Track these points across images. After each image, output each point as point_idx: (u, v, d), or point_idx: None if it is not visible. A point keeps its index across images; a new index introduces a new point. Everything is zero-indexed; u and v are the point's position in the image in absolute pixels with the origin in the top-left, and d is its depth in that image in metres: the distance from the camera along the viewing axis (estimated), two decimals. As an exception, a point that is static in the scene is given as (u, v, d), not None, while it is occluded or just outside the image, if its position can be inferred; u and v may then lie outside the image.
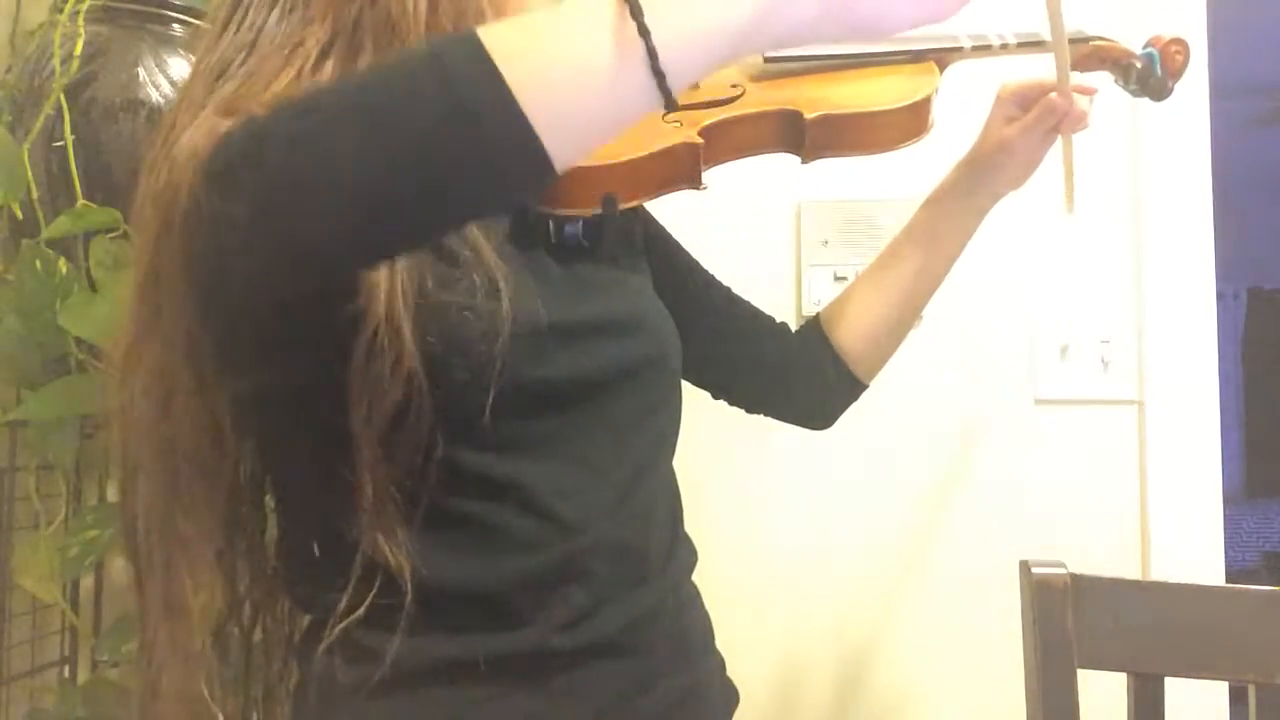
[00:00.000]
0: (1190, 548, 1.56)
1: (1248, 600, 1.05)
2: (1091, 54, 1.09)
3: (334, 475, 0.75)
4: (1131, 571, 1.57)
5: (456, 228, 0.73)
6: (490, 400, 0.75)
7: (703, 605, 0.94)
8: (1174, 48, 1.08)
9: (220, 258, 0.63)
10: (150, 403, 0.76)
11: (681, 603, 0.89)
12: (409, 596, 0.74)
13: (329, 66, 0.75)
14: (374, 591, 0.75)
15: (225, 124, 0.66)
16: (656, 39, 0.55)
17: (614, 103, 0.57)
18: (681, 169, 0.86)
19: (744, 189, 1.60)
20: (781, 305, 1.59)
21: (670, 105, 0.57)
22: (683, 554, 0.92)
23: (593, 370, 0.82)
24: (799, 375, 1.08)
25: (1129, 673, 1.03)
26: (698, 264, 1.09)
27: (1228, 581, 1.56)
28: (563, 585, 0.79)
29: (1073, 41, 1.01)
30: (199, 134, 0.68)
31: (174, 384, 0.75)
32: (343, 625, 0.76)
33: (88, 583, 1.45)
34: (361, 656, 0.77)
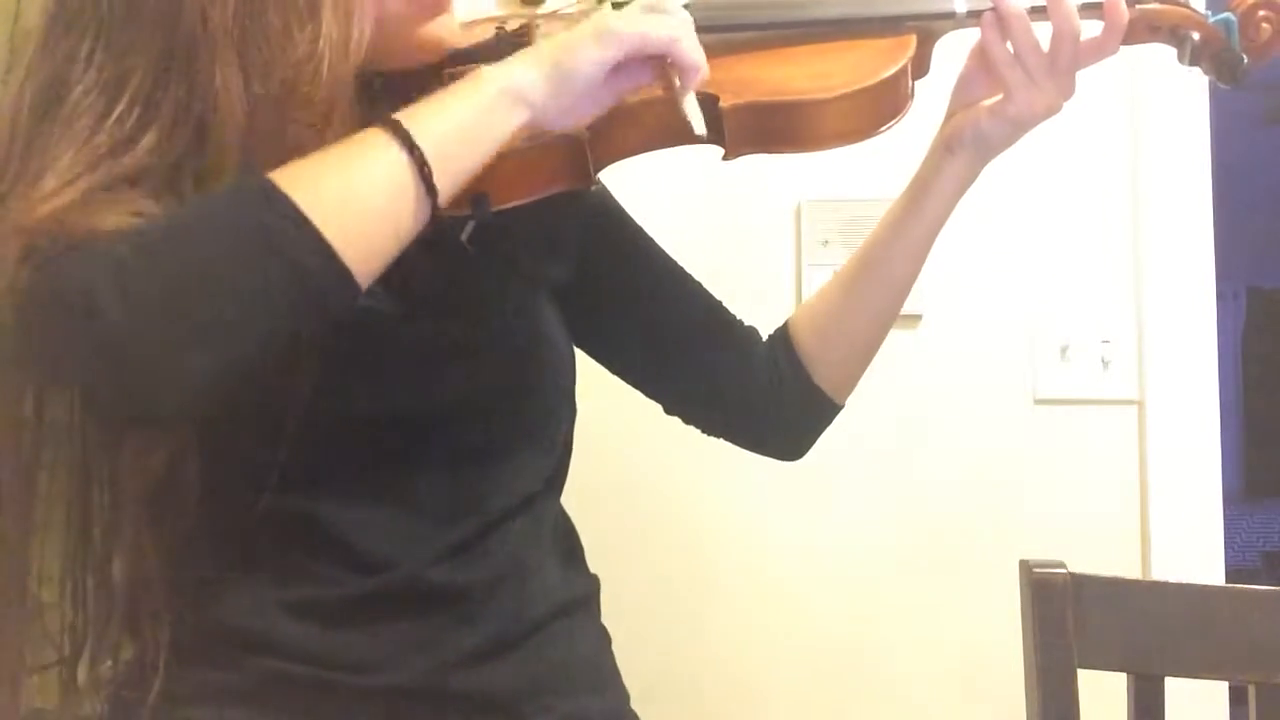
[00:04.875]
0: (1190, 548, 1.56)
1: (1248, 600, 1.05)
2: (1139, 19, 0.86)
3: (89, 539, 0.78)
4: (1131, 571, 1.57)
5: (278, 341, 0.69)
6: (282, 438, 0.74)
7: (595, 638, 0.91)
8: (1263, 12, 0.84)
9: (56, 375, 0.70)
10: None
11: (545, 638, 0.84)
12: (160, 673, 0.76)
13: (166, 101, 0.72)
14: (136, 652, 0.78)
15: (46, 232, 0.66)
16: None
17: (399, 222, 0.68)
18: (565, 166, 0.78)
19: (744, 189, 1.60)
20: (781, 305, 1.58)
21: (434, 198, 0.68)
22: (555, 586, 0.86)
23: (412, 402, 0.80)
24: (766, 408, 0.98)
25: (1129, 673, 1.03)
26: (671, 266, 1.00)
27: (1228, 581, 1.57)
28: (356, 626, 0.78)
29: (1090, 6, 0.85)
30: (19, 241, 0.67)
31: None
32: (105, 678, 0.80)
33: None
34: (127, 698, 0.79)
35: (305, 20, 0.73)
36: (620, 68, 0.73)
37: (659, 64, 0.75)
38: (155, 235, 0.65)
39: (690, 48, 0.73)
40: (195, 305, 0.63)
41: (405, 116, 0.69)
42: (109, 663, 0.82)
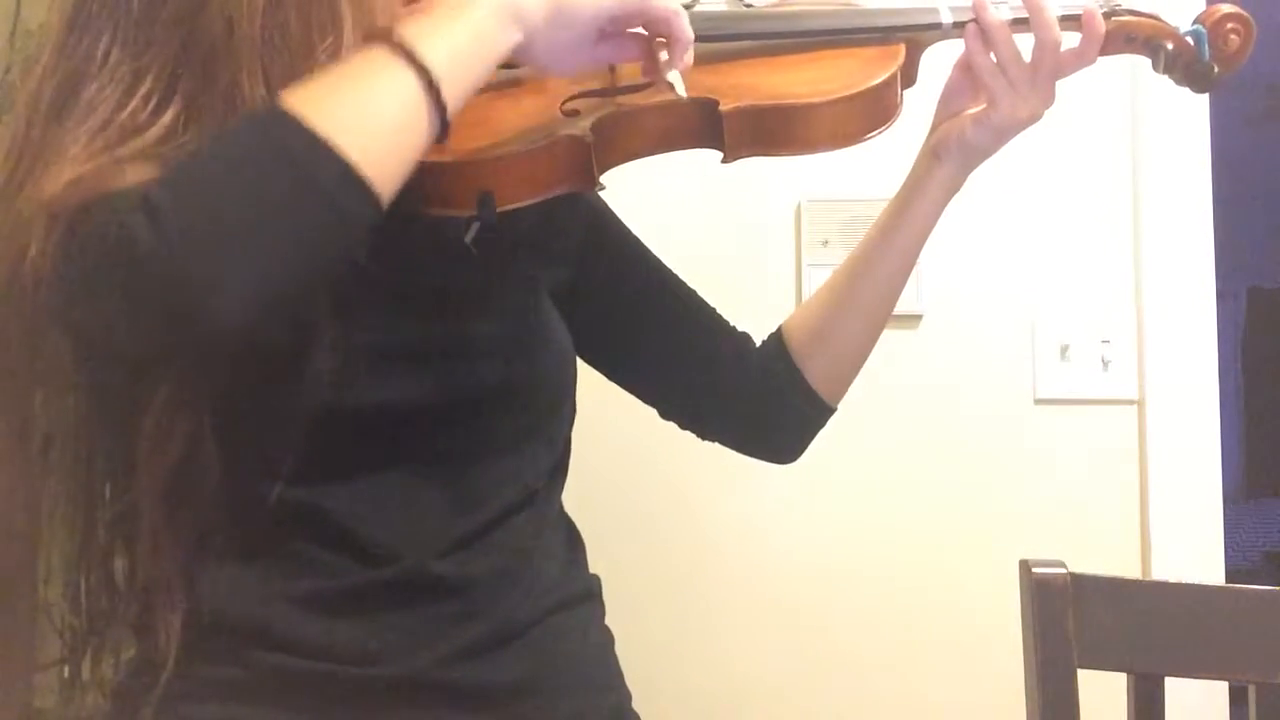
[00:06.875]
0: (1190, 548, 1.56)
1: (1248, 600, 1.05)
2: (1115, 31, 0.90)
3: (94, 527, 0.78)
4: (1131, 571, 1.57)
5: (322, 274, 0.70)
6: (294, 430, 0.75)
7: (598, 636, 0.91)
8: (1230, 24, 0.88)
9: (94, 334, 0.68)
10: None
11: (546, 631, 0.84)
12: (168, 669, 0.76)
13: (179, 99, 0.73)
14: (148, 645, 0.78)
15: (70, 195, 0.67)
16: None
17: (411, 138, 0.68)
18: (569, 168, 0.79)
19: (744, 189, 1.60)
20: (781, 305, 1.58)
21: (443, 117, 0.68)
22: (557, 580, 0.87)
23: (419, 397, 0.80)
24: (761, 410, 1.00)
25: (1129, 673, 1.03)
26: (663, 271, 1.02)
27: (1228, 581, 1.56)
28: (358, 617, 0.78)
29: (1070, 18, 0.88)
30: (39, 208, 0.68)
31: None
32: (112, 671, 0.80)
33: (88, 583, 1.45)
34: (130, 696, 0.79)
35: (328, 31, 0.75)
36: (608, 37, 0.76)
37: (645, 43, 0.77)
38: (177, 170, 0.66)
39: (686, 24, 0.76)
40: (223, 226, 0.63)
41: (405, 35, 0.69)
42: (111, 661, 0.82)
